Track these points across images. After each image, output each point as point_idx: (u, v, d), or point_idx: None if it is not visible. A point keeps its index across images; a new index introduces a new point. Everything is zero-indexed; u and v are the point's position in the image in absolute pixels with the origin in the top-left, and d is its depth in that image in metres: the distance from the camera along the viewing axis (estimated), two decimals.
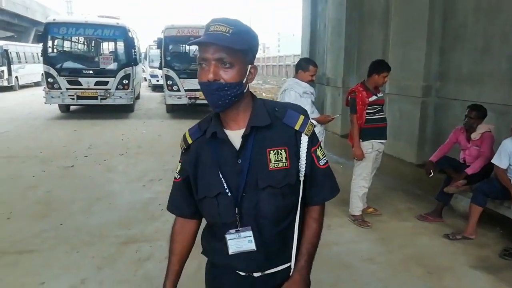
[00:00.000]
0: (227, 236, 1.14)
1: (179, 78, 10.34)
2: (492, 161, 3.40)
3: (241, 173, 1.11)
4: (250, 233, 1.13)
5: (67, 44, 12.40)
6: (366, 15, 8.06)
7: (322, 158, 1.19)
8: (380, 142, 3.78)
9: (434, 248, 3.39)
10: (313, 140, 1.17)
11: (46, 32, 10.13)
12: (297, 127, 1.13)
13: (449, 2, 5.61)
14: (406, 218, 4.05)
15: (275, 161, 1.11)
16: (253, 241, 1.13)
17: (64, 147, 7.00)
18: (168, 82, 10.36)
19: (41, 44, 10.45)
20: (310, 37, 10.57)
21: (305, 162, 1.14)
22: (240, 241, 1.13)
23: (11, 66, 17.80)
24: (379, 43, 7.48)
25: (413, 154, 6.15)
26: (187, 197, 1.24)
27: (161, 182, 5.07)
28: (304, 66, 3.85)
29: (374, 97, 3.67)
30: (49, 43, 10.46)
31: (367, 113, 3.67)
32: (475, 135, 3.69)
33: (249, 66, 1.10)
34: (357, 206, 3.84)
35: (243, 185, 1.11)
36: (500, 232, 3.65)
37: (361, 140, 3.71)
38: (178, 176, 1.24)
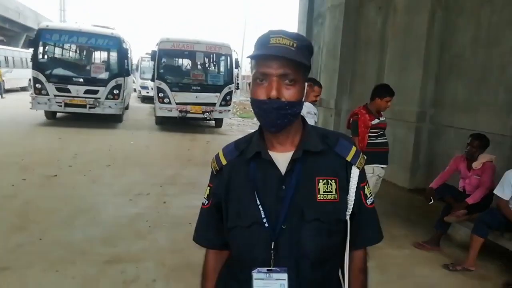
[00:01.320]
0: (254, 275, 0.97)
1: (171, 91, 10.24)
2: (494, 191, 3.33)
3: (283, 201, 0.96)
4: (285, 275, 0.96)
5: (58, 51, 12.15)
6: (362, 40, 8.15)
7: (370, 197, 1.08)
8: (381, 167, 3.71)
9: (434, 279, 3.27)
10: (363, 175, 1.05)
11: (38, 37, 9.91)
12: (349, 158, 1.02)
13: (447, 34, 5.69)
14: (402, 245, 3.93)
15: (324, 192, 0.98)
16: (286, 286, 0.96)
17: (48, 155, 6.71)
18: (159, 95, 10.21)
19: (31, 50, 10.20)
20: None
21: (354, 197, 1.01)
22: (270, 283, 0.96)
23: None
24: (374, 68, 7.53)
25: (406, 178, 6.11)
26: (216, 226, 1.08)
27: (148, 197, 4.86)
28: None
29: (376, 121, 3.61)
30: (40, 49, 10.22)
31: (369, 137, 3.60)
32: (476, 164, 3.64)
33: (306, 83, 1.00)
34: None
35: (284, 216, 0.96)
36: (500, 264, 3.56)
37: None
38: (206, 202, 1.10)
